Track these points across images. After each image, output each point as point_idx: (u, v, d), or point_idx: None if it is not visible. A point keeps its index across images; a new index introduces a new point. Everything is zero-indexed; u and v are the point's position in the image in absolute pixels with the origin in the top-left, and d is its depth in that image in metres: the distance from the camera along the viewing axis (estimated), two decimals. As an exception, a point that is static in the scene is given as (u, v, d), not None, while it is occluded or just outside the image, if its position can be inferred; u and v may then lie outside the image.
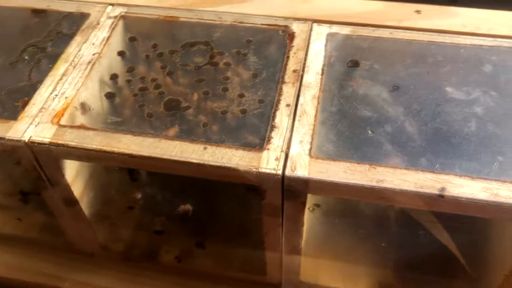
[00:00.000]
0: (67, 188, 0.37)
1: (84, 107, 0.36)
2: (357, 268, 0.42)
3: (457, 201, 0.30)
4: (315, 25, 0.41)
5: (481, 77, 0.36)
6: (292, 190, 0.32)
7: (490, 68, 0.37)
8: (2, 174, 0.43)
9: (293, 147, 0.32)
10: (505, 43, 0.39)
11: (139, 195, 0.40)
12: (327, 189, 0.31)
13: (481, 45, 0.39)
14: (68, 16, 0.43)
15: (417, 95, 0.35)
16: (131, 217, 0.42)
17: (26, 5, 0.44)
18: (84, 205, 0.39)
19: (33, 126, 0.34)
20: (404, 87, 0.36)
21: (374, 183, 0.30)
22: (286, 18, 0.41)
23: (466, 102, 0.35)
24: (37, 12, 0.44)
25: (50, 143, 0.33)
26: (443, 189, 0.30)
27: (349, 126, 0.33)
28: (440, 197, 0.30)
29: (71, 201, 0.38)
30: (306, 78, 0.37)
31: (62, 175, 0.36)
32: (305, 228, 0.35)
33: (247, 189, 0.34)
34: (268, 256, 0.39)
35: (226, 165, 0.32)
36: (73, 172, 0.37)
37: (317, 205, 0.39)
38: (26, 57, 0.40)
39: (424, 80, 0.37)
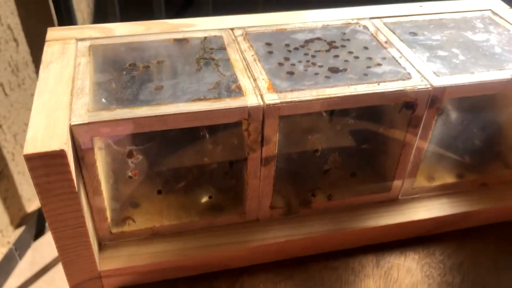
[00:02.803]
0: (273, 146, 0.50)
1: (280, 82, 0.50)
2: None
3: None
4: (372, 20, 0.62)
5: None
6: (434, 99, 0.51)
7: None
8: (218, 151, 0.53)
9: (424, 74, 0.52)
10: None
11: (317, 144, 0.55)
12: (457, 91, 0.52)
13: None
14: (207, 39, 0.57)
15: (458, 42, 0.59)
16: (308, 164, 0.56)
17: (166, 38, 0.57)
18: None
19: (259, 97, 0.48)
20: (448, 39, 0.59)
21: (477, 79, 0.52)
22: (352, 19, 0.62)
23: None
24: (179, 40, 0.56)
25: (281, 103, 0.47)
26: None
27: (443, 60, 0.55)
28: None
29: (269, 159, 0.51)
30: (396, 44, 0.57)
31: (276, 133, 0.49)
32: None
33: (400, 109, 0.53)
34: (398, 170, 0.57)
35: (398, 89, 0.50)
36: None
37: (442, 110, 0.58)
38: (204, 65, 0.53)
39: (454, 36, 0.60)
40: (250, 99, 0.47)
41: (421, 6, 0.66)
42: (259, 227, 0.56)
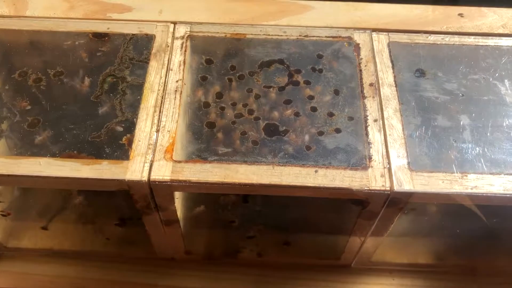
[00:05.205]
0: (173, 213, 0.40)
1: (188, 140, 0.38)
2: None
3: (535, 198, 0.36)
4: (374, 34, 0.44)
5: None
6: (396, 201, 0.37)
7: (533, 68, 0.42)
8: (102, 206, 0.45)
9: (393, 162, 0.37)
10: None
11: (231, 210, 0.44)
12: (428, 198, 0.36)
13: (520, 45, 0.44)
14: (133, 38, 0.43)
15: (481, 102, 0.41)
16: (222, 227, 0.46)
17: (85, 29, 0.44)
18: (181, 222, 0.42)
19: (147, 165, 0.36)
20: (468, 94, 0.41)
21: (468, 190, 0.36)
22: (346, 29, 0.44)
23: (521, 104, 0.41)
24: (99, 36, 0.43)
25: (172, 181, 0.36)
26: (524, 189, 0.36)
27: (434, 137, 0.38)
28: (523, 196, 0.36)
29: (171, 221, 0.41)
30: (383, 91, 0.40)
31: (172, 203, 0.39)
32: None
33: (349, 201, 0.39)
34: (349, 245, 0.45)
35: (340, 186, 0.36)
36: (176, 198, 0.40)
37: (413, 209, 0.44)
38: (109, 89, 0.40)
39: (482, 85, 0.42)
40: (132, 170, 0.36)
41: (460, 16, 0.46)
42: (172, 270, 0.49)
